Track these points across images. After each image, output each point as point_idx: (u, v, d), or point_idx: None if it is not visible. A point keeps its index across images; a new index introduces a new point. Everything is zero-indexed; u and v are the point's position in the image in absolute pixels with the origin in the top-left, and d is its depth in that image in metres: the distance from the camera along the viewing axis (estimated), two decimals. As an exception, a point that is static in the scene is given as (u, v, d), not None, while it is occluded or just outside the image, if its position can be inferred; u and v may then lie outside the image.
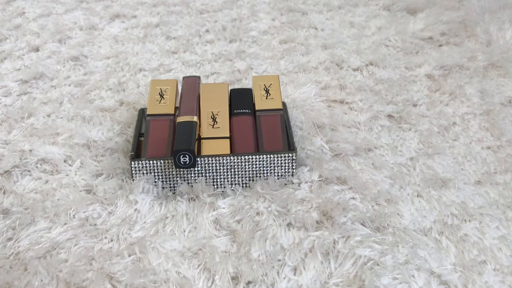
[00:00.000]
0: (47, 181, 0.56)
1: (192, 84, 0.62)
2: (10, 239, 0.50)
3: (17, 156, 0.59)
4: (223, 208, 0.52)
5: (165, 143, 0.56)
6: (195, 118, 0.56)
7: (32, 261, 0.47)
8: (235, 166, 0.54)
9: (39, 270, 0.46)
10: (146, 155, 0.55)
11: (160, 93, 0.60)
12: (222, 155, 0.54)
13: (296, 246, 0.48)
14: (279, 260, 0.47)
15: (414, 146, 0.61)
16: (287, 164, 0.55)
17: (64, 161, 0.59)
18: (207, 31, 0.87)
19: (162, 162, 0.54)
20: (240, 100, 0.61)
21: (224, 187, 0.55)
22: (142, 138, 0.58)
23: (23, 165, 0.58)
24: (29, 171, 0.57)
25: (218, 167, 0.54)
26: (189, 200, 0.54)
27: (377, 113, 0.66)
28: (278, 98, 0.60)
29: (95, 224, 0.51)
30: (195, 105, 0.58)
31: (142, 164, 0.54)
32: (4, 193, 0.55)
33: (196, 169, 0.54)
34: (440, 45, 0.82)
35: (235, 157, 0.54)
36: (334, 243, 0.49)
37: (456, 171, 0.58)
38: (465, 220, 0.52)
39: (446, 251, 0.49)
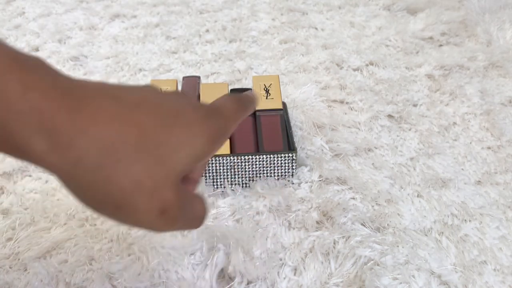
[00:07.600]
0: (47, 181, 0.56)
1: (192, 84, 0.62)
2: (10, 239, 0.50)
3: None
4: (223, 208, 0.52)
5: (165, 143, 0.55)
6: (195, 118, 0.56)
7: (32, 261, 0.47)
8: (235, 166, 0.54)
9: (39, 270, 0.46)
10: (146, 155, 0.54)
11: (160, 93, 0.60)
12: (222, 155, 0.54)
13: (296, 246, 0.48)
14: (279, 260, 0.47)
15: (414, 146, 0.61)
16: (287, 164, 0.55)
17: (64, 161, 0.59)
18: (207, 31, 0.87)
19: (162, 162, 0.54)
20: (240, 100, 0.61)
21: (224, 187, 0.55)
22: (142, 138, 0.58)
23: (23, 165, 0.58)
24: (29, 171, 0.57)
25: (218, 167, 0.54)
26: (189, 200, 0.53)
27: (377, 113, 0.66)
28: (278, 98, 0.60)
29: (95, 224, 0.51)
30: (195, 105, 0.58)
31: (142, 164, 0.54)
32: (4, 193, 0.55)
33: (196, 169, 0.54)
34: (440, 45, 0.82)
35: (235, 157, 0.54)
36: (334, 243, 0.49)
37: (456, 171, 0.58)
38: (465, 220, 0.52)
39: (446, 251, 0.49)
